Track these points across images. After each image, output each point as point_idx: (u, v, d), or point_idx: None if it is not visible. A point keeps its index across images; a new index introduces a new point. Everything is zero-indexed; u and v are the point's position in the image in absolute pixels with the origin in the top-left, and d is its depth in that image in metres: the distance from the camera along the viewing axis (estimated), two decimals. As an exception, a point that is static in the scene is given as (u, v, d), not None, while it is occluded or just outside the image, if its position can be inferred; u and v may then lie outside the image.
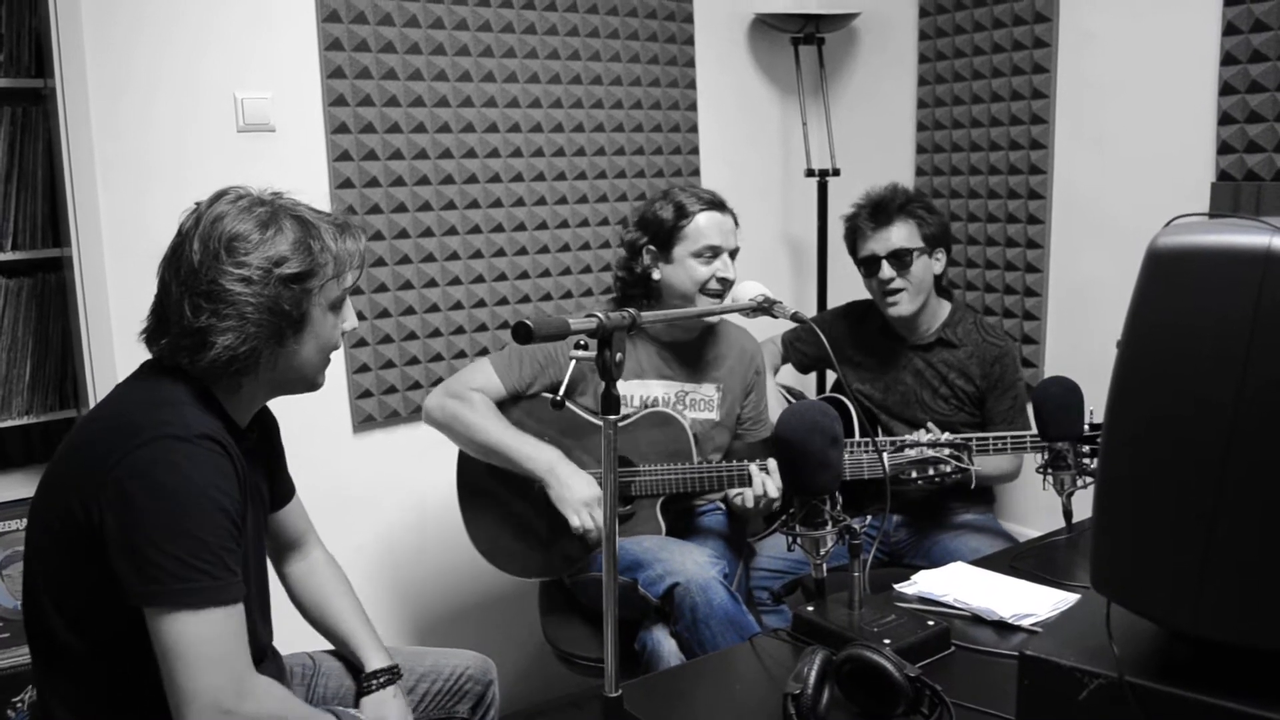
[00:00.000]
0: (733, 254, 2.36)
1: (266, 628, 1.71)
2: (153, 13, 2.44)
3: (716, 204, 2.35)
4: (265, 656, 1.66)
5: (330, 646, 1.89)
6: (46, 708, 1.53)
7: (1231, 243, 0.78)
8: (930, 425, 2.30)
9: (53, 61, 2.22)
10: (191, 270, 1.47)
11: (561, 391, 1.33)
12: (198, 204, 1.55)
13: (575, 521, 2.20)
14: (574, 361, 1.32)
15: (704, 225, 2.32)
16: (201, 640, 1.37)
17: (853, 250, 2.67)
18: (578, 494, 2.21)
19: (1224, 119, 2.44)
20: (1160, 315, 0.82)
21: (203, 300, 1.46)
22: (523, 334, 1.27)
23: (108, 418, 1.51)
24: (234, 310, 1.46)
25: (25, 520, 2.29)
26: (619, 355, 1.31)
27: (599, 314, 1.31)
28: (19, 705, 2.30)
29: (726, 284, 2.33)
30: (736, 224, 2.39)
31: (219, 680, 1.37)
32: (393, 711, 1.76)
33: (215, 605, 1.38)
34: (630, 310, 1.34)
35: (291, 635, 1.85)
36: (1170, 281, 0.81)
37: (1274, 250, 0.76)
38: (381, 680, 1.79)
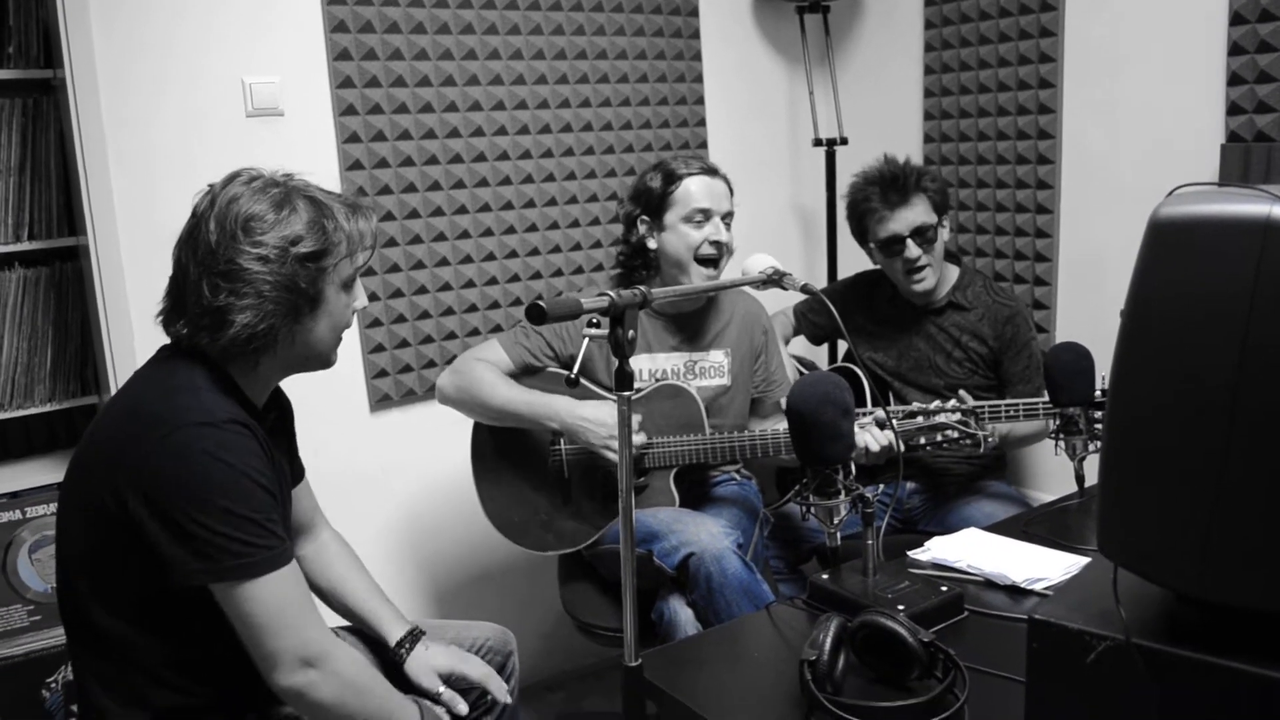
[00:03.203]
0: (726, 218, 2.36)
1: None
2: (159, 1, 2.45)
3: (708, 169, 2.36)
4: None
5: (343, 623, 1.94)
6: (83, 688, 1.58)
7: (1232, 212, 0.79)
8: (963, 394, 2.30)
9: (61, 52, 2.24)
10: (209, 250, 1.50)
11: (576, 369, 1.35)
12: (211, 186, 1.58)
13: (612, 456, 2.23)
14: (587, 340, 1.34)
15: (694, 189, 2.33)
16: (271, 604, 1.46)
17: (861, 232, 2.64)
18: (603, 426, 2.24)
19: (1233, 79, 2.43)
20: (1163, 284, 0.84)
21: (221, 280, 1.49)
22: (536, 314, 1.29)
23: (130, 408, 1.55)
24: (252, 289, 1.50)
25: (52, 505, 2.35)
26: (631, 333, 1.33)
27: (611, 293, 1.33)
28: (53, 685, 2.35)
29: (721, 247, 2.34)
30: (731, 190, 2.39)
31: (299, 636, 1.48)
32: (438, 659, 1.83)
33: (274, 569, 1.46)
34: (641, 289, 1.36)
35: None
36: (1172, 251, 0.83)
37: (1274, 219, 0.77)
38: (408, 645, 1.84)
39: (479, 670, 1.84)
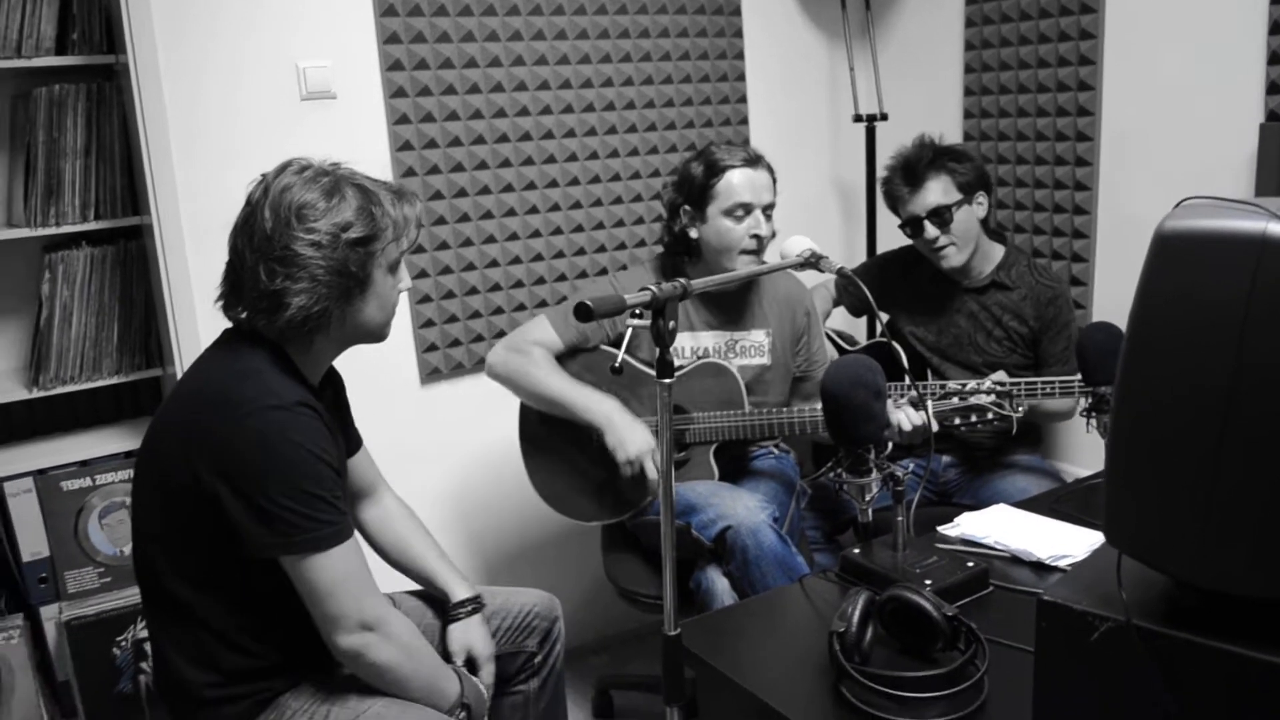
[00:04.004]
0: (767, 210, 2.39)
1: None
2: (217, -13, 2.53)
3: (750, 160, 2.38)
4: None
5: (409, 586, 2.04)
6: (158, 649, 1.69)
7: (1230, 227, 0.85)
8: (1001, 373, 2.34)
9: (124, 38, 2.31)
10: (265, 237, 1.60)
11: (619, 361, 1.42)
12: (264, 175, 1.67)
13: (626, 472, 2.30)
14: (630, 330, 1.41)
15: (736, 183, 2.35)
16: (335, 574, 1.57)
17: (895, 212, 2.70)
18: (633, 444, 2.29)
19: (1273, 59, 2.43)
20: (1166, 292, 0.89)
21: (277, 264, 1.59)
22: (584, 313, 1.36)
23: (201, 391, 1.65)
24: (306, 273, 1.59)
25: (120, 473, 2.47)
26: (672, 323, 1.40)
27: (652, 287, 1.39)
28: (123, 644, 2.48)
29: (762, 240, 2.38)
30: (774, 178, 2.42)
31: (358, 603, 1.59)
32: (477, 637, 1.92)
33: (339, 543, 1.58)
34: (681, 281, 1.43)
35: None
36: (1175, 262, 0.88)
37: (1269, 235, 0.83)
38: (468, 609, 1.94)
39: (487, 677, 1.90)
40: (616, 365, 1.44)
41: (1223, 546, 0.89)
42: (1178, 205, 0.91)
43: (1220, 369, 0.85)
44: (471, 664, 1.90)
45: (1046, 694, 1.03)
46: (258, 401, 1.56)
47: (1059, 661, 1.00)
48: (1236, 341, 0.84)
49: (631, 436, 2.30)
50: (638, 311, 1.38)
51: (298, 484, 1.54)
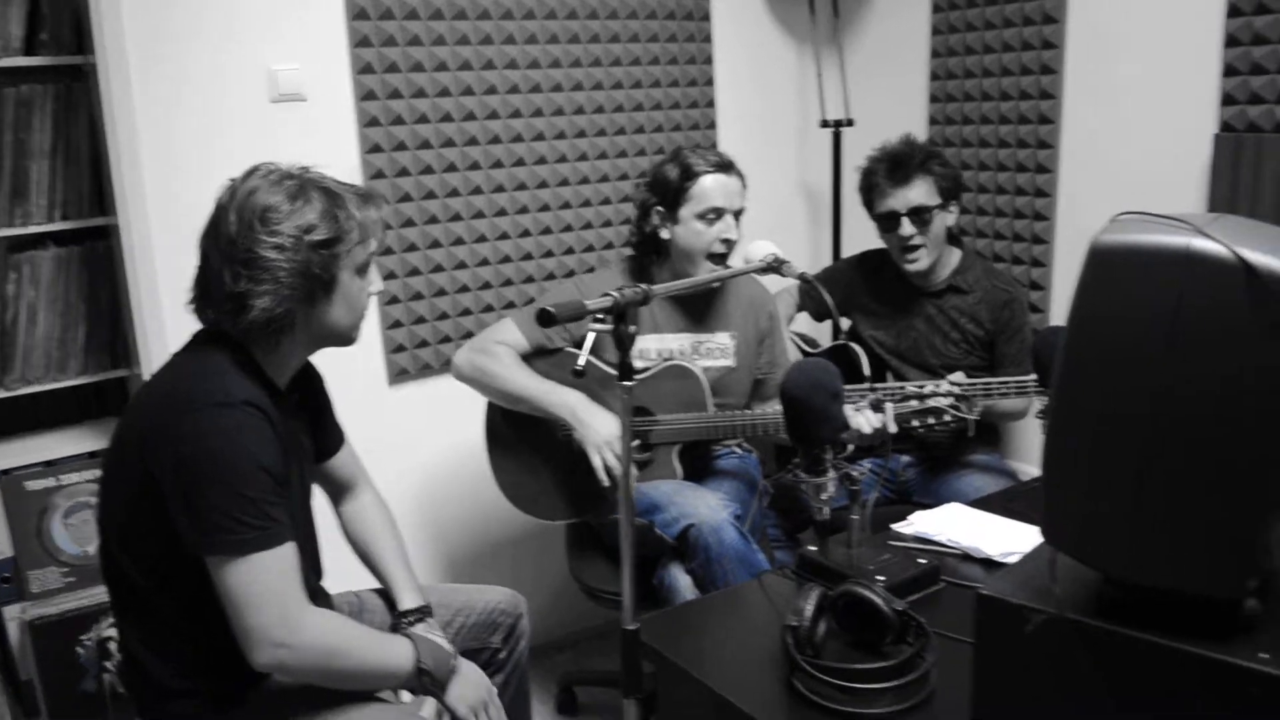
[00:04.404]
0: (737, 215, 2.44)
1: (315, 572, 1.87)
2: (186, -11, 2.54)
3: (723, 165, 2.43)
4: (315, 597, 1.83)
5: (377, 585, 2.06)
6: (126, 645, 1.71)
7: (1157, 242, 0.89)
8: (959, 375, 2.38)
9: (93, 39, 2.31)
10: (230, 240, 1.61)
11: (582, 362, 1.45)
12: (232, 180, 1.69)
13: (596, 460, 2.33)
14: (592, 334, 1.45)
15: (709, 187, 2.40)
16: (252, 583, 1.54)
17: (868, 204, 2.73)
18: (600, 432, 2.33)
19: (1228, 71, 2.49)
20: (1099, 303, 0.93)
21: (241, 267, 1.60)
22: (546, 319, 1.39)
23: (165, 388, 1.67)
24: (269, 275, 1.61)
25: (84, 473, 2.48)
26: (633, 328, 1.43)
27: (613, 293, 1.42)
28: (87, 642, 2.49)
29: (731, 245, 2.43)
30: (744, 184, 2.47)
31: (272, 616, 1.55)
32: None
33: (262, 550, 1.55)
34: (643, 287, 1.46)
35: (344, 574, 2.02)
36: (1108, 274, 0.92)
37: (1192, 250, 0.87)
38: (412, 619, 1.92)
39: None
40: (579, 368, 1.47)
41: (1149, 544, 0.93)
42: (1113, 219, 0.95)
43: (1149, 377, 0.90)
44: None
45: (985, 683, 1.07)
46: (205, 399, 1.57)
47: (997, 652, 1.04)
48: (1164, 350, 0.89)
49: (598, 425, 2.34)
50: (600, 316, 1.41)
51: (229, 484, 1.53)
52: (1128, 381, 0.92)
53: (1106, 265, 0.93)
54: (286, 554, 1.60)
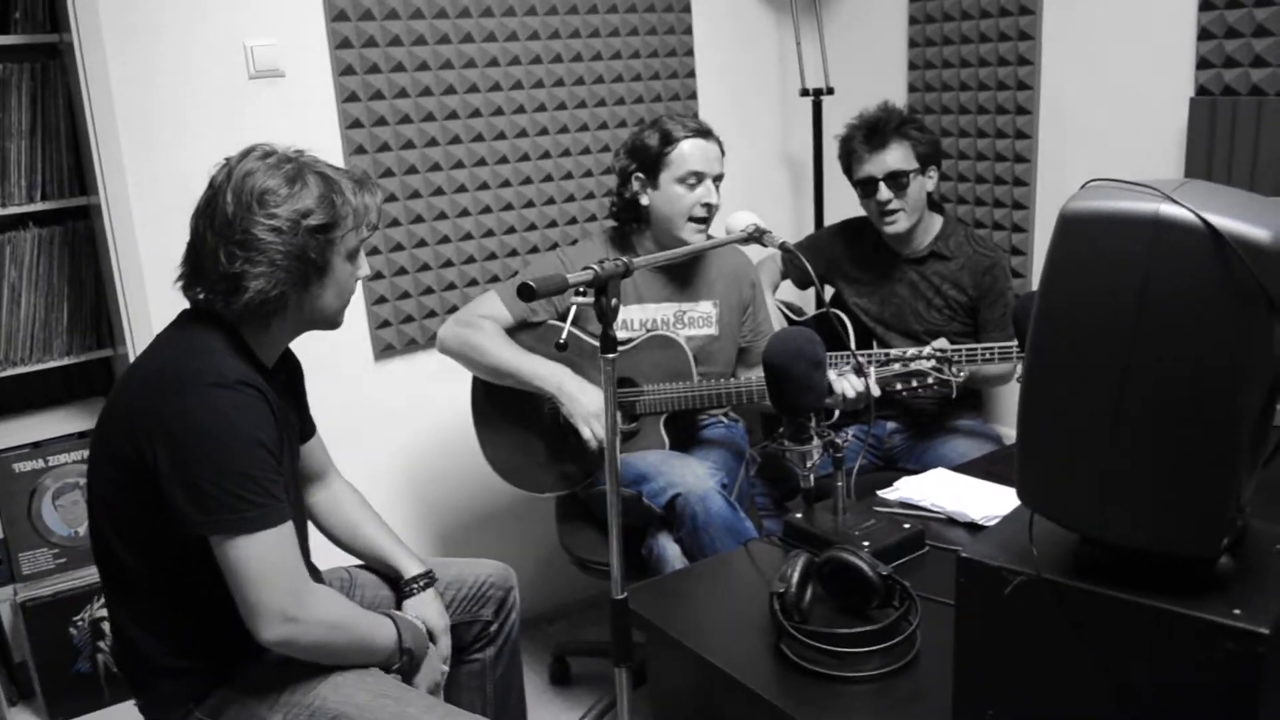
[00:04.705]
0: (717, 180, 2.46)
1: (305, 548, 1.89)
2: (161, -36, 2.52)
3: (702, 131, 2.45)
4: (310, 574, 1.84)
5: (357, 562, 2.08)
6: (117, 622, 1.72)
7: (1125, 208, 0.91)
8: (942, 341, 2.41)
9: (67, 16, 2.29)
10: (226, 221, 1.61)
11: (564, 336, 1.46)
12: (228, 159, 1.68)
13: (586, 432, 2.35)
14: (574, 307, 1.46)
15: (688, 151, 2.42)
16: (259, 559, 1.56)
17: (848, 171, 2.75)
18: (587, 406, 2.35)
19: (1203, 34, 2.50)
20: (1070, 269, 0.95)
21: (237, 248, 1.61)
22: (527, 294, 1.40)
23: (154, 367, 1.67)
24: (265, 257, 1.61)
25: (72, 454, 2.48)
26: (615, 300, 1.44)
27: (594, 266, 1.43)
28: (79, 623, 2.50)
29: (711, 209, 2.44)
30: (722, 151, 2.48)
31: (280, 592, 1.58)
32: (431, 611, 1.95)
33: (267, 528, 1.57)
34: (624, 259, 1.47)
35: (326, 554, 2.04)
36: (1078, 240, 0.94)
37: (1160, 215, 0.89)
38: (421, 584, 1.97)
39: (444, 648, 1.94)
40: (561, 340, 1.49)
41: (1121, 504, 0.96)
42: (1083, 186, 0.97)
43: (1118, 342, 0.92)
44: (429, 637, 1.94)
45: (966, 644, 1.10)
46: (200, 378, 1.58)
47: (977, 613, 1.07)
48: (1133, 315, 0.91)
49: (584, 399, 2.36)
50: (581, 290, 1.42)
51: (229, 463, 1.55)
52: (1098, 345, 0.94)
53: (1076, 231, 0.95)
54: (288, 530, 1.62)
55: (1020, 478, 1.05)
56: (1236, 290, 0.86)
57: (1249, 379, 0.89)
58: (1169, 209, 0.89)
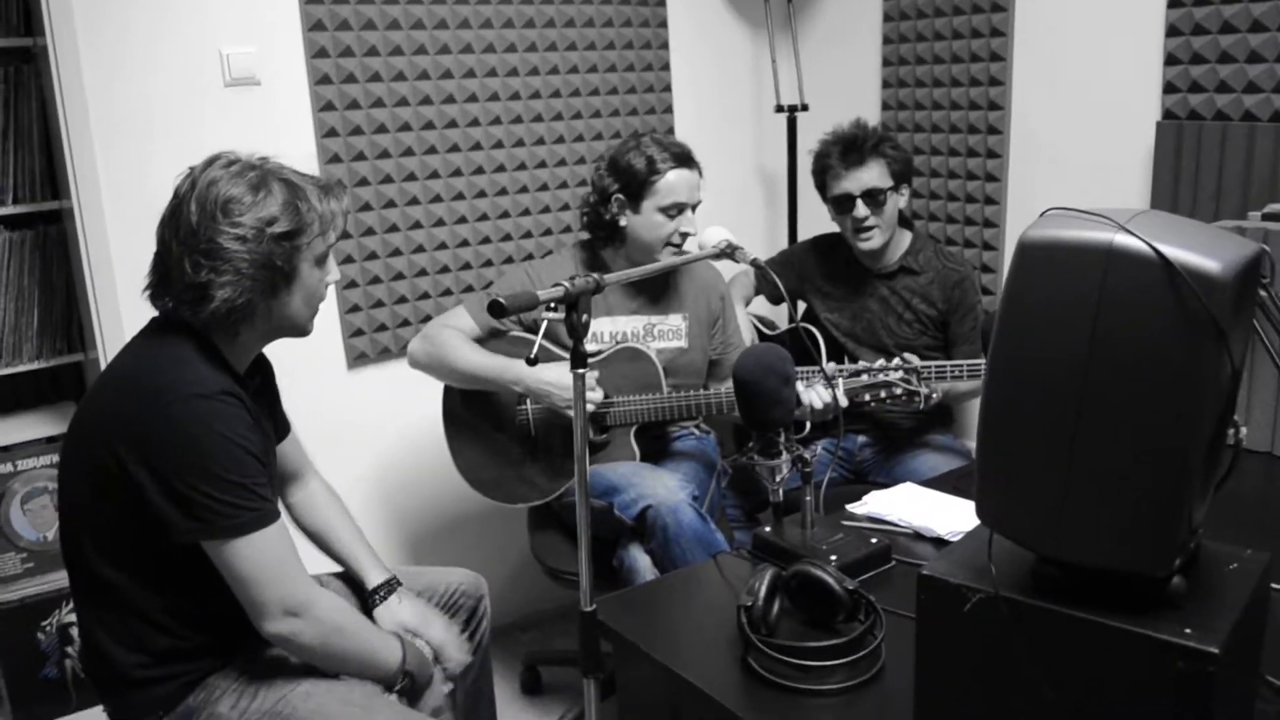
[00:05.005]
0: (695, 207, 2.49)
1: None
2: (138, -30, 2.52)
3: (685, 160, 2.46)
4: None
5: (335, 569, 2.08)
6: (86, 631, 1.72)
7: (1082, 238, 0.93)
8: (908, 355, 2.44)
9: (42, 20, 2.29)
10: (190, 231, 1.62)
11: (534, 351, 1.48)
12: (191, 169, 1.68)
13: (570, 411, 2.34)
14: (545, 323, 1.47)
15: (674, 182, 2.43)
16: (259, 560, 1.60)
17: (822, 188, 2.77)
18: (561, 389, 2.37)
19: (1169, 60, 2.56)
20: (1027, 296, 0.98)
21: (202, 258, 1.61)
22: (497, 310, 1.42)
23: (129, 376, 1.67)
24: (230, 266, 1.61)
25: (42, 459, 2.47)
26: (585, 316, 1.46)
27: (565, 282, 1.45)
28: (48, 628, 2.49)
29: (686, 237, 2.47)
30: (701, 175, 2.51)
31: (283, 588, 1.62)
32: (405, 614, 1.96)
33: (262, 528, 1.60)
34: (595, 276, 1.49)
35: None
36: (1035, 267, 0.97)
37: (1114, 246, 0.92)
38: (383, 594, 1.98)
39: (439, 634, 1.96)
40: (532, 356, 1.50)
41: (1078, 525, 0.98)
42: (1042, 214, 0.99)
43: (1074, 368, 0.94)
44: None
45: (927, 660, 1.12)
46: (181, 390, 1.58)
47: (937, 630, 1.09)
48: (1088, 341, 0.93)
49: (557, 384, 2.38)
50: (552, 305, 1.43)
51: (218, 471, 1.57)
52: (1054, 370, 0.97)
53: (1033, 259, 0.97)
54: (283, 530, 1.66)
55: (979, 497, 1.08)
56: (1188, 319, 0.89)
57: (1200, 405, 0.92)
58: (1123, 239, 0.92)
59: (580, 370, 1.45)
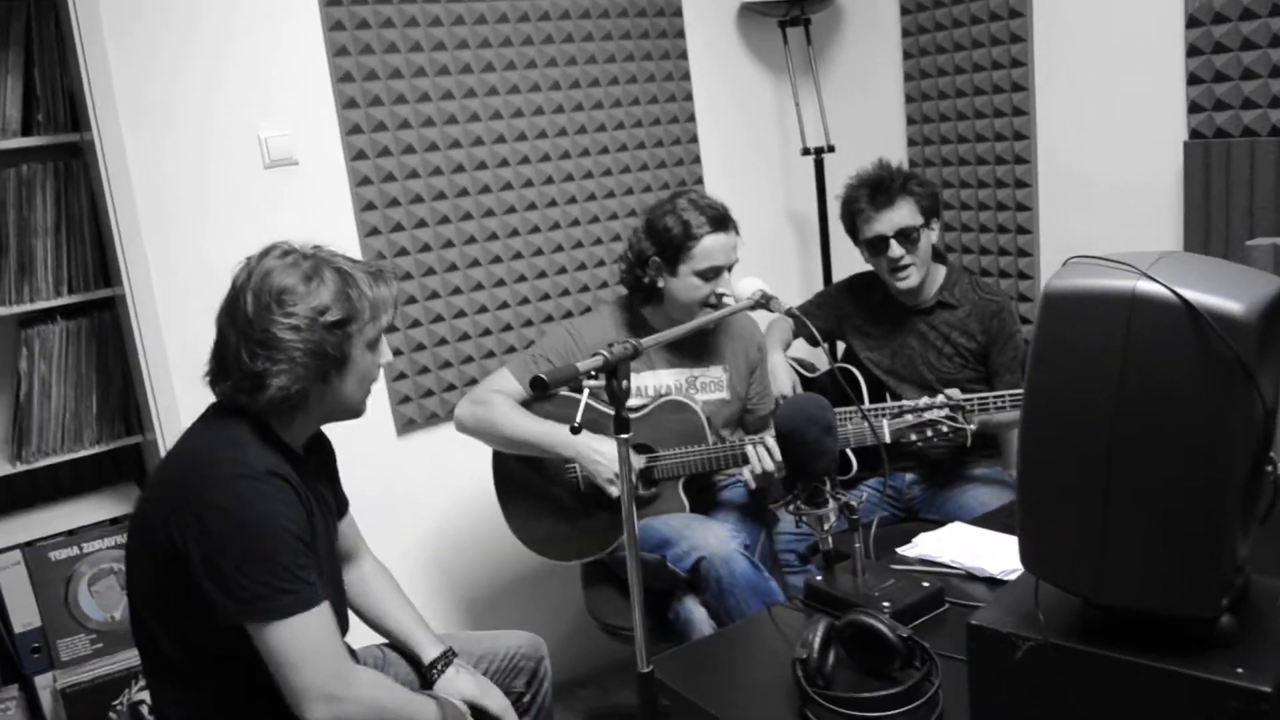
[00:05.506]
0: (731, 267, 2.49)
1: (342, 626, 1.93)
2: (177, 63, 2.61)
3: (721, 222, 2.46)
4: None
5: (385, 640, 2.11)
6: (160, 710, 1.77)
7: (1104, 286, 0.95)
8: (952, 391, 2.43)
9: (88, 116, 2.37)
10: (247, 321, 1.67)
11: (579, 419, 1.50)
12: (248, 259, 1.74)
13: (614, 491, 2.38)
14: (586, 392, 1.50)
15: (710, 247, 2.44)
16: (298, 643, 1.61)
17: (852, 231, 2.78)
18: (608, 467, 2.38)
19: (1192, 79, 2.56)
20: (1056, 344, 0.99)
21: (258, 347, 1.66)
22: (539, 386, 1.45)
23: (186, 460, 1.73)
24: (285, 355, 1.66)
25: (106, 540, 2.53)
26: (625, 382, 1.48)
27: (604, 351, 1.48)
28: (119, 706, 2.53)
29: (722, 297, 2.48)
30: (738, 233, 2.51)
31: (322, 673, 1.62)
32: (464, 685, 1.98)
33: (302, 611, 1.62)
34: (633, 342, 1.51)
35: (360, 630, 2.07)
36: (1061, 316, 0.99)
37: (1138, 292, 0.93)
38: (440, 666, 2.00)
39: (498, 703, 1.98)
40: (576, 425, 1.52)
41: (1122, 569, 0.99)
42: (1065, 263, 1.01)
43: (1104, 412, 0.96)
44: (477, 712, 1.96)
45: (982, 708, 1.12)
46: (225, 471, 1.63)
47: (990, 678, 1.10)
48: (1116, 387, 0.95)
49: (603, 460, 2.39)
50: (592, 373, 1.46)
51: (258, 552, 1.60)
52: (1085, 416, 0.98)
53: (1058, 309, 0.99)
54: (325, 612, 1.67)
55: (1022, 544, 1.08)
56: (1214, 361, 0.90)
57: (1232, 444, 0.92)
58: (1145, 285, 0.93)
59: (624, 435, 1.48)
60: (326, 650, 1.65)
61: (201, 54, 2.64)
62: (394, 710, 1.75)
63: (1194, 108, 2.57)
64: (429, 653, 2.02)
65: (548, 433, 2.45)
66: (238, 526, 1.60)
